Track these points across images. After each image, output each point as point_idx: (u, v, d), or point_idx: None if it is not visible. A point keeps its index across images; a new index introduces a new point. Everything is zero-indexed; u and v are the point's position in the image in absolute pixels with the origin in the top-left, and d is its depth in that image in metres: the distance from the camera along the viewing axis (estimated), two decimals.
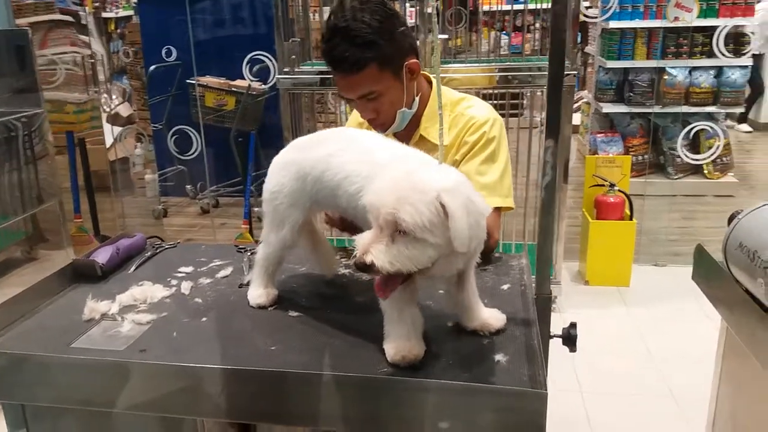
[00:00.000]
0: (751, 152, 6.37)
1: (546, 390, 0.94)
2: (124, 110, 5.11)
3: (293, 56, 3.00)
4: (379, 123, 1.55)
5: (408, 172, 0.97)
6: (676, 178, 5.01)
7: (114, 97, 4.45)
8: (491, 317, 1.15)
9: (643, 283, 3.54)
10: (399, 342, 1.04)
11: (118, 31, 5.76)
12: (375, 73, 1.44)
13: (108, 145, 4.15)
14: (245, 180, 3.89)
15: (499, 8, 5.19)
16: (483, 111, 1.61)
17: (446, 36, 3.59)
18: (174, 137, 4.13)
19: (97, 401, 1.07)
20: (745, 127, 6.96)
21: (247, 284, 1.36)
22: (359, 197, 1.14)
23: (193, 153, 4.13)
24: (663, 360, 2.82)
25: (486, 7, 5.08)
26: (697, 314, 3.12)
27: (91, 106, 3.95)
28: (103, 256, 1.43)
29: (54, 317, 1.25)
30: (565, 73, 2.86)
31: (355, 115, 1.76)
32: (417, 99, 1.56)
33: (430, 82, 1.64)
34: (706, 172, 4.98)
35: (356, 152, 1.18)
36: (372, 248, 0.94)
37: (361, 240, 0.96)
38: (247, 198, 3.67)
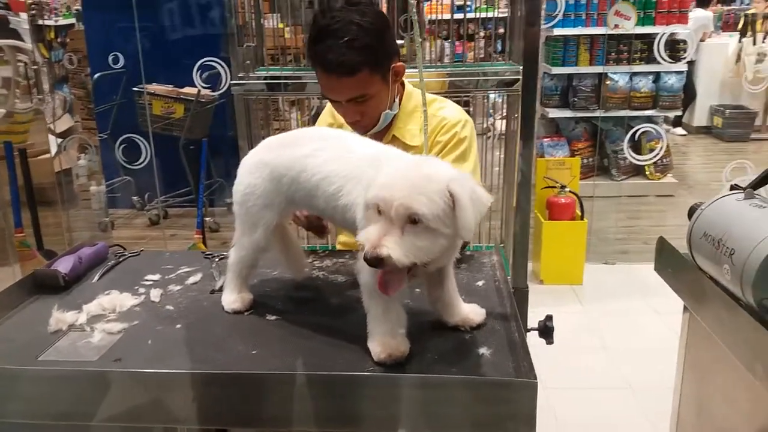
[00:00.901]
0: (687, 154, 6.68)
1: (535, 379, 0.95)
2: (65, 122, 4.92)
3: (248, 62, 2.96)
4: (362, 125, 1.56)
5: (416, 164, 0.97)
6: (620, 180, 5.20)
7: (56, 106, 4.28)
8: (471, 312, 1.16)
9: (595, 281, 3.66)
10: (384, 339, 1.03)
11: (59, 39, 5.55)
12: (367, 76, 1.44)
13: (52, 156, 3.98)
14: (196, 189, 3.81)
15: (443, 17, 5.30)
16: (454, 112, 1.64)
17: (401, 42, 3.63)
18: (122, 146, 4.00)
19: (74, 414, 1.01)
20: (680, 130, 7.30)
21: (220, 290, 1.33)
22: (339, 197, 1.14)
23: (141, 162, 4.00)
24: (619, 354, 2.92)
25: (431, 16, 5.16)
26: (646, 310, 3.25)
27: (33, 116, 3.78)
28: (65, 265, 1.37)
29: (17, 330, 1.18)
30: (519, 77, 2.93)
31: (326, 117, 1.75)
32: (397, 99, 1.58)
33: (403, 84, 1.66)
34: (647, 173, 5.20)
35: (335, 152, 1.17)
36: (385, 241, 0.92)
37: (369, 235, 0.93)
38: (200, 207, 3.59)
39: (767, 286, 1.07)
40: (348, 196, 1.12)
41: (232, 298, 1.25)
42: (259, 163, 1.24)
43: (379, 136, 1.62)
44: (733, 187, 1.33)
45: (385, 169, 0.99)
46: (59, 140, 4.31)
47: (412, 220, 0.92)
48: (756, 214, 1.17)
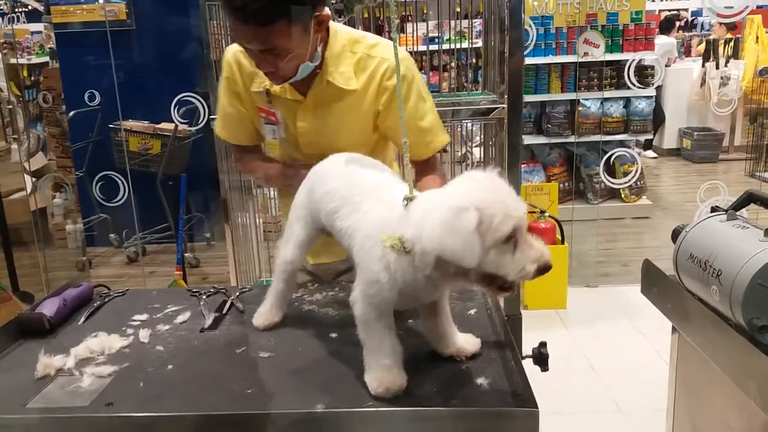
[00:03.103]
0: (659, 176, 6.83)
1: (536, 407, 0.95)
2: (39, 160, 4.85)
3: None
4: (278, 76, 1.41)
5: (495, 180, 0.94)
6: (596, 203, 5.29)
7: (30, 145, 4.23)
8: (466, 342, 1.16)
9: (578, 305, 3.68)
10: (381, 374, 1.02)
11: (32, 78, 5.51)
12: (285, 27, 1.29)
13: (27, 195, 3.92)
14: (175, 225, 3.77)
15: (416, 49, 5.39)
16: (392, 50, 1.33)
17: None
18: (99, 184, 3.95)
19: None
20: (650, 153, 7.48)
21: (210, 328, 1.32)
22: (335, 217, 1.13)
23: (119, 200, 3.96)
24: (607, 376, 2.92)
25: (404, 48, 5.26)
26: (631, 331, 3.28)
27: (6, 155, 3.72)
28: (49, 308, 1.33)
29: (2, 377, 1.14)
30: (496, 106, 2.99)
31: (226, 70, 1.58)
32: (319, 49, 1.44)
33: (327, 29, 1.48)
34: (623, 196, 5.30)
35: (341, 175, 1.19)
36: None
37: (541, 246, 0.93)
38: (179, 243, 3.55)
39: (756, 306, 1.09)
40: (342, 221, 1.11)
41: (258, 312, 1.31)
42: (310, 175, 1.28)
43: (305, 84, 1.49)
44: (713, 209, 1.36)
45: (468, 191, 0.92)
46: (33, 179, 4.25)
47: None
48: (740, 234, 1.20)
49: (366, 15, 3.46)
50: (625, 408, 2.66)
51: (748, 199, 1.25)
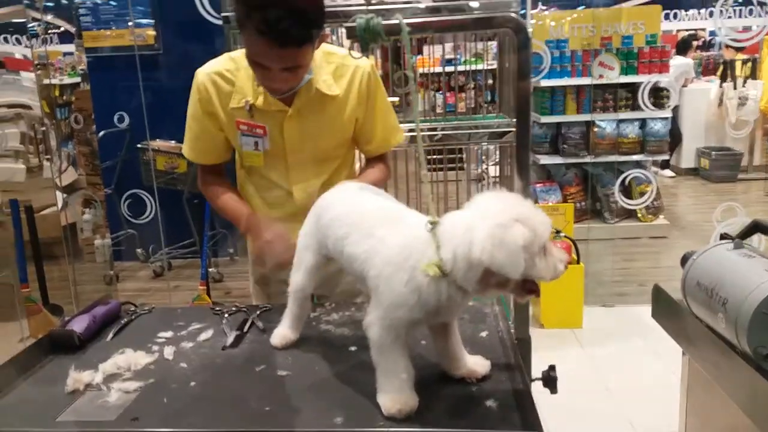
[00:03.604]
0: (677, 195, 6.80)
1: (542, 431, 0.99)
2: (70, 175, 4.99)
3: None
4: (282, 90, 1.52)
5: (517, 196, 1.03)
6: (613, 223, 5.28)
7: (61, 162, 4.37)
8: (476, 364, 1.19)
9: (594, 324, 3.68)
10: (394, 395, 1.06)
11: (64, 97, 5.68)
12: (308, 48, 1.41)
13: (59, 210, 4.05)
14: (200, 241, 3.85)
15: (433, 70, 5.47)
16: (358, 55, 1.51)
17: (395, 98, 3.76)
18: (127, 201, 4.07)
19: None
20: (668, 172, 7.45)
21: (231, 345, 1.38)
22: (344, 243, 1.16)
23: (146, 217, 4.06)
24: (621, 396, 2.93)
25: (422, 69, 5.34)
26: (646, 351, 3.27)
27: (40, 173, 3.86)
28: (79, 325, 1.40)
29: (35, 391, 1.21)
30: (510, 129, 3.04)
31: (203, 106, 1.64)
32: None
33: None
34: (639, 215, 5.28)
35: (349, 202, 1.23)
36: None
37: (560, 255, 1.03)
38: (203, 259, 3.63)
39: (761, 334, 1.11)
40: (354, 247, 1.14)
41: (275, 332, 1.37)
42: (318, 202, 1.33)
43: (290, 95, 1.58)
44: (722, 236, 1.39)
45: (504, 207, 0.99)
46: (64, 195, 4.38)
47: None
48: (746, 263, 1.23)
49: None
50: (639, 428, 2.66)
51: (754, 228, 1.28)
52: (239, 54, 1.64)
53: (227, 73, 1.61)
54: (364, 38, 1.20)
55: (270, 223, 1.59)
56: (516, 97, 1.28)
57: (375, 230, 1.11)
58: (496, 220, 0.95)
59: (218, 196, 1.73)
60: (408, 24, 1.17)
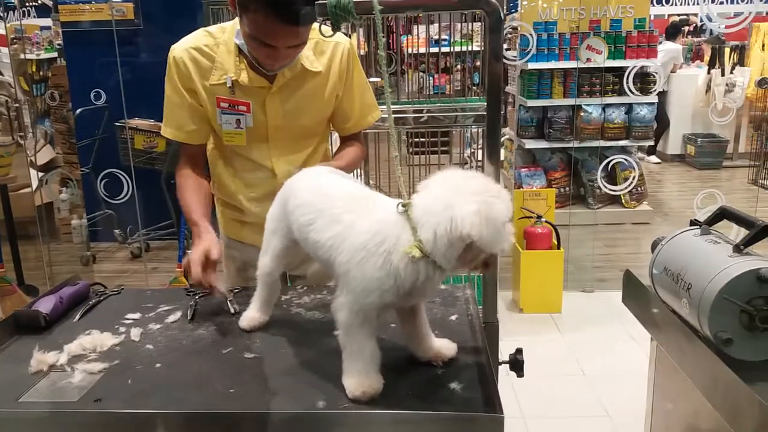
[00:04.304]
0: (662, 182, 6.84)
1: (502, 413, 0.99)
2: (47, 153, 4.93)
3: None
4: (280, 65, 1.54)
5: (479, 175, 1.04)
6: (597, 208, 5.31)
7: (37, 140, 4.30)
8: (443, 347, 1.20)
9: (573, 309, 3.72)
10: (359, 378, 1.06)
11: (41, 73, 5.58)
12: (311, 25, 1.44)
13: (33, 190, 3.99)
14: (178, 222, 3.82)
15: (420, 51, 5.43)
16: (329, 33, 1.49)
17: (377, 79, 3.73)
18: (104, 181, 4.02)
19: None
20: (654, 158, 7.48)
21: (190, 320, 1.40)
22: (309, 230, 1.15)
23: (123, 197, 4.02)
24: (597, 381, 2.96)
25: (409, 50, 5.30)
26: (623, 336, 3.31)
27: (14, 150, 3.79)
28: (46, 305, 1.39)
29: None
30: None
31: (183, 82, 1.62)
32: None
33: None
34: (623, 201, 5.31)
35: (314, 188, 1.22)
36: None
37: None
38: (181, 241, 3.61)
39: (722, 320, 1.12)
40: (320, 233, 1.13)
41: (243, 315, 1.37)
42: (284, 186, 1.32)
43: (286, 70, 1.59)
44: (692, 222, 1.39)
45: (476, 185, 1.00)
46: (40, 174, 4.32)
47: None
48: (710, 249, 1.23)
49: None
50: (613, 412, 2.70)
51: (721, 215, 1.29)
52: (215, 29, 1.62)
53: (206, 48, 1.59)
54: (335, 16, 1.18)
55: (201, 241, 1.54)
56: (487, 82, 1.26)
57: (342, 216, 1.10)
58: (479, 196, 0.96)
59: (183, 188, 1.71)
60: (380, 2, 1.15)
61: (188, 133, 1.68)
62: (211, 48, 1.59)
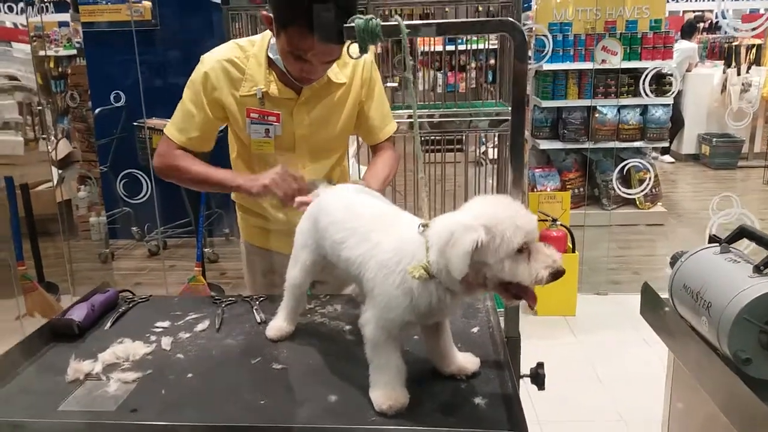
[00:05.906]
0: (676, 182, 6.81)
1: (527, 430, 1.02)
2: (64, 148, 4.98)
3: None
4: (313, 79, 1.61)
5: (505, 200, 1.04)
6: (611, 209, 5.31)
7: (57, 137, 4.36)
8: (466, 361, 1.23)
9: (587, 312, 3.73)
10: (386, 391, 1.10)
11: (60, 70, 5.65)
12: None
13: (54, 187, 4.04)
14: (196, 221, 3.86)
15: (435, 49, 5.43)
16: (356, 55, 1.53)
17: (394, 84, 3.75)
18: (123, 181, 4.07)
19: None
20: (668, 158, 7.45)
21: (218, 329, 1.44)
22: (342, 247, 1.19)
23: (142, 196, 4.07)
24: (611, 385, 2.98)
25: (423, 48, 5.30)
26: (637, 340, 3.32)
27: (35, 149, 3.85)
28: (78, 313, 1.43)
29: (36, 380, 1.24)
30: (508, 118, 3.04)
31: (206, 91, 1.66)
32: None
33: None
34: (637, 202, 5.31)
35: (346, 207, 1.26)
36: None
37: (553, 252, 1.02)
38: (199, 240, 3.65)
39: (741, 339, 1.14)
40: (351, 251, 1.17)
41: (270, 325, 1.41)
42: (315, 203, 1.36)
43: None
44: (711, 239, 1.41)
45: (481, 210, 1.01)
46: (60, 171, 4.37)
47: None
48: (730, 268, 1.25)
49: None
50: (628, 417, 2.72)
51: (740, 234, 1.31)
52: (245, 42, 1.69)
53: (237, 60, 1.66)
54: (362, 39, 1.21)
55: (261, 175, 1.60)
56: (512, 98, 1.28)
57: (371, 234, 1.14)
58: (463, 220, 0.99)
59: (192, 165, 1.71)
60: (406, 25, 1.18)
61: (189, 139, 1.72)
62: (242, 60, 1.65)
